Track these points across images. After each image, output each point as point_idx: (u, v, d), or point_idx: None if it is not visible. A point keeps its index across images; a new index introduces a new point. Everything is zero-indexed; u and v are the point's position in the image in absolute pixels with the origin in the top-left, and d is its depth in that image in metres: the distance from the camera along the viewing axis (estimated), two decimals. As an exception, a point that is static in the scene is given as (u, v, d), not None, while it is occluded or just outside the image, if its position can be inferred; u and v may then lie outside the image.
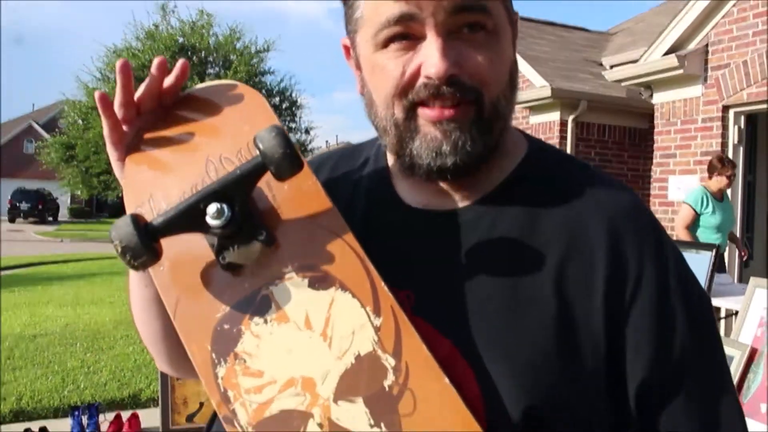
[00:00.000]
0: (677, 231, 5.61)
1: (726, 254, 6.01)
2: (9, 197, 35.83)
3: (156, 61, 0.82)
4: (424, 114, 0.76)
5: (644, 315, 0.76)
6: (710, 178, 5.64)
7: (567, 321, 0.74)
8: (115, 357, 6.07)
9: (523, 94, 8.33)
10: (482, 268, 0.78)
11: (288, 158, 0.69)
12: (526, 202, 0.81)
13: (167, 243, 0.72)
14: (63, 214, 42.60)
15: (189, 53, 18.64)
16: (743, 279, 6.14)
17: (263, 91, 19.66)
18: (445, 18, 0.73)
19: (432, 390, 0.69)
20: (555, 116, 8.63)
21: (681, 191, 6.69)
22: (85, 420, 4.34)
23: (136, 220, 0.68)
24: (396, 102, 0.77)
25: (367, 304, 0.72)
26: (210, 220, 0.70)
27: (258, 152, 0.70)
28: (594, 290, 0.75)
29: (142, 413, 4.50)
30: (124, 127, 0.83)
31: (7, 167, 42.52)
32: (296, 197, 0.77)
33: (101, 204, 47.32)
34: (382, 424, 0.67)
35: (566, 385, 0.73)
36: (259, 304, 0.73)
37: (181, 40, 18.81)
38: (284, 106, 20.08)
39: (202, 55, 18.99)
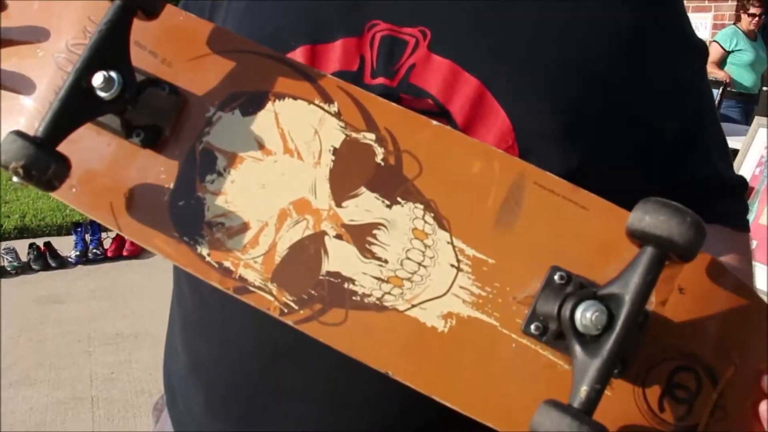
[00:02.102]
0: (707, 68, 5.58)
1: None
2: None
3: None
4: None
5: (675, 74, 0.76)
6: (740, 17, 5.59)
7: (592, 49, 0.72)
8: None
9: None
10: None
11: None
12: None
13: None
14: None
15: None
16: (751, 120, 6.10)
17: None
18: None
19: (425, 140, 0.64)
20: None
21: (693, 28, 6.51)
22: (87, 237, 4.47)
23: (21, 132, 0.57)
24: None
25: (313, 98, 0.65)
26: (102, 94, 0.59)
27: None
28: (619, 30, 0.73)
29: (143, 233, 4.64)
30: None
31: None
32: (176, 42, 0.68)
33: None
34: (399, 198, 0.63)
35: (594, 118, 0.71)
36: (202, 160, 0.65)
37: None
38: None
39: None
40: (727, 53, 5.58)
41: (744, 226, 0.83)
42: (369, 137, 0.64)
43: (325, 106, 0.65)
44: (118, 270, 4.34)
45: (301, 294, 0.63)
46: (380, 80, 0.70)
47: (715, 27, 6.39)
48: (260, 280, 0.63)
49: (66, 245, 4.52)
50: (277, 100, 0.65)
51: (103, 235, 4.58)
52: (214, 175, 0.65)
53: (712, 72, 5.48)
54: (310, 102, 0.65)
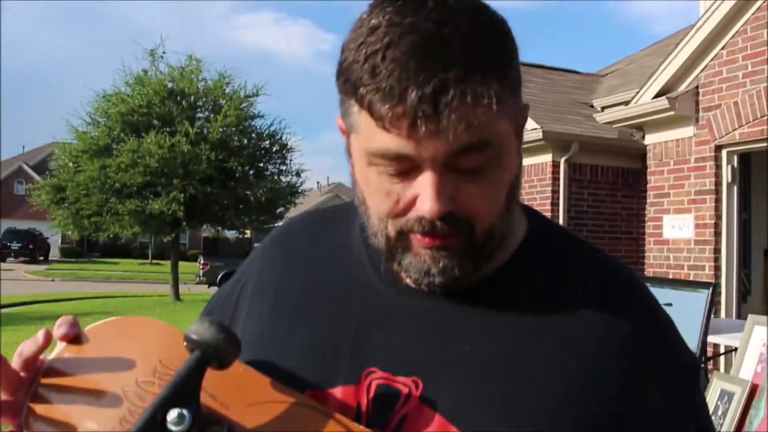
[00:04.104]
0: None
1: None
2: (0, 237, 35.60)
3: (42, 331, 0.77)
4: (416, 238, 0.74)
5: (664, 403, 0.77)
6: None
7: (579, 403, 0.74)
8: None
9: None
10: (490, 352, 0.76)
11: (230, 341, 0.70)
12: (529, 284, 0.81)
13: None
14: (54, 253, 42.71)
15: (178, 98, 18.72)
16: (741, 315, 6.16)
17: (253, 135, 19.62)
18: (444, 160, 0.69)
19: None
20: (547, 158, 8.70)
21: (675, 229, 6.74)
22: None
23: None
24: (390, 222, 0.75)
25: None
26: (173, 428, 0.67)
27: (194, 348, 0.70)
28: (605, 378, 0.75)
29: None
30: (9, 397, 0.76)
31: (-3, 208, 42.41)
32: (234, 389, 0.76)
33: (92, 244, 47.31)
34: None
35: None
36: None
37: (170, 85, 18.82)
38: (274, 149, 20.13)
39: (192, 99, 19.05)
40: None
41: None
42: None
43: None
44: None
45: None
46: (374, 430, 0.73)
47: (698, 226, 6.61)
48: None
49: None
50: None
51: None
52: None
53: None
54: None
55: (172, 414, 0.66)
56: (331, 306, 0.84)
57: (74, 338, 0.78)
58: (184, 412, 0.67)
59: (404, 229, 0.74)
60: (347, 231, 0.91)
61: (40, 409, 0.74)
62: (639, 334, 0.78)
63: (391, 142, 0.69)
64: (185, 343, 0.71)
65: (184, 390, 0.68)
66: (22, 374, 0.75)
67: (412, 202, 0.72)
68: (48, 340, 0.75)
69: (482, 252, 0.76)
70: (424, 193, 0.70)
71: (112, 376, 0.76)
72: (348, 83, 0.70)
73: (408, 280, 0.79)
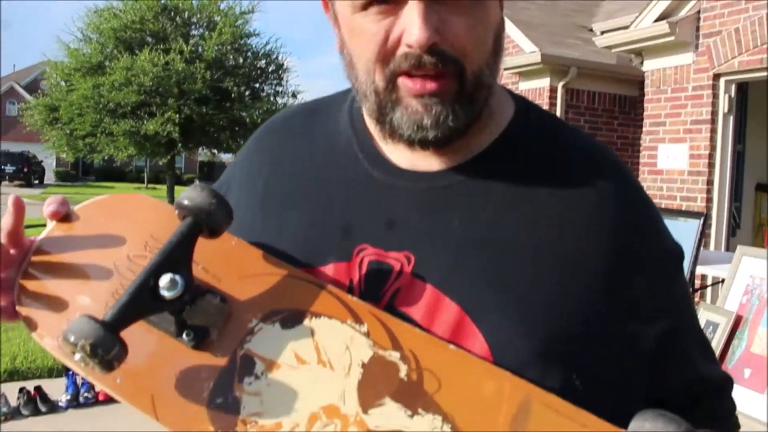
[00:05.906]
0: None
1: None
2: (-5, 160, 35.38)
3: (12, 197, 0.77)
4: (406, 86, 0.74)
5: (648, 286, 0.79)
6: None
7: (567, 277, 0.76)
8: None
9: (512, 60, 8.29)
10: (480, 227, 0.78)
11: (223, 206, 0.71)
12: (518, 162, 0.82)
13: None
14: (49, 177, 42.37)
15: (172, 14, 18.32)
16: (730, 249, 6.22)
17: (249, 54, 19.28)
18: None
19: (444, 360, 0.72)
20: (545, 82, 8.60)
21: (670, 159, 6.74)
22: (79, 380, 4.39)
23: (92, 316, 0.64)
24: (377, 69, 0.75)
25: (346, 318, 0.74)
26: (165, 293, 0.67)
27: (186, 214, 0.70)
28: (591, 256, 0.77)
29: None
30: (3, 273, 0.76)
31: (-11, 129, 41.93)
32: (227, 262, 0.77)
33: (87, 167, 47.13)
34: (420, 409, 0.70)
35: (572, 338, 0.74)
36: (242, 364, 0.72)
37: (163, 0, 18.55)
38: (270, 69, 19.85)
39: (186, 16, 18.67)
40: None
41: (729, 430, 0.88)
42: (394, 355, 0.72)
43: (356, 326, 0.73)
44: (109, 414, 4.24)
45: None
46: (367, 302, 0.75)
47: (692, 157, 6.60)
48: None
49: (57, 388, 4.43)
50: (314, 318, 0.74)
51: (96, 377, 4.50)
52: (251, 377, 0.72)
53: None
54: (343, 322, 0.74)
55: (165, 279, 0.67)
56: (321, 190, 0.85)
57: (64, 217, 0.79)
58: (177, 277, 0.68)
59: (393, 72, 0.74)
60: (336, 119, 0.91)
61: (31, 285, 0.76)
62: (627, 219, 0.80)
63: None
64: (177, 211, 0.71)
65: (177, 255, 0.69)
66: (11, 251, 0.76)
67: (399, 39, 0.72)
68: (19, 203, 0.75)
69: (472, 100, 0.76)
70: (410, 23, 0.70)
71: (104, 252, 0.77)
72: None
73: (400, 144, 0.80)
